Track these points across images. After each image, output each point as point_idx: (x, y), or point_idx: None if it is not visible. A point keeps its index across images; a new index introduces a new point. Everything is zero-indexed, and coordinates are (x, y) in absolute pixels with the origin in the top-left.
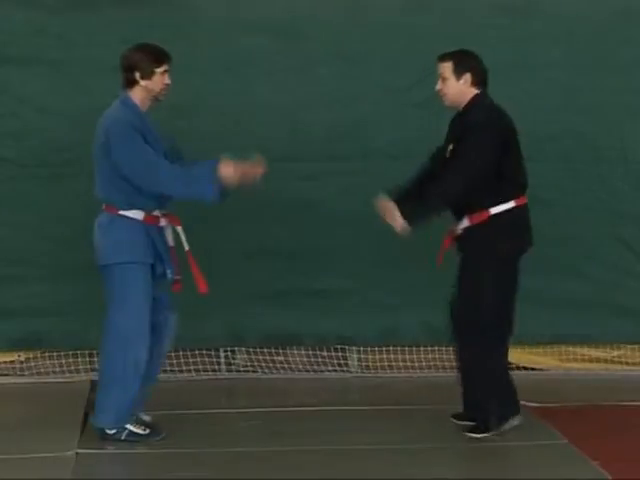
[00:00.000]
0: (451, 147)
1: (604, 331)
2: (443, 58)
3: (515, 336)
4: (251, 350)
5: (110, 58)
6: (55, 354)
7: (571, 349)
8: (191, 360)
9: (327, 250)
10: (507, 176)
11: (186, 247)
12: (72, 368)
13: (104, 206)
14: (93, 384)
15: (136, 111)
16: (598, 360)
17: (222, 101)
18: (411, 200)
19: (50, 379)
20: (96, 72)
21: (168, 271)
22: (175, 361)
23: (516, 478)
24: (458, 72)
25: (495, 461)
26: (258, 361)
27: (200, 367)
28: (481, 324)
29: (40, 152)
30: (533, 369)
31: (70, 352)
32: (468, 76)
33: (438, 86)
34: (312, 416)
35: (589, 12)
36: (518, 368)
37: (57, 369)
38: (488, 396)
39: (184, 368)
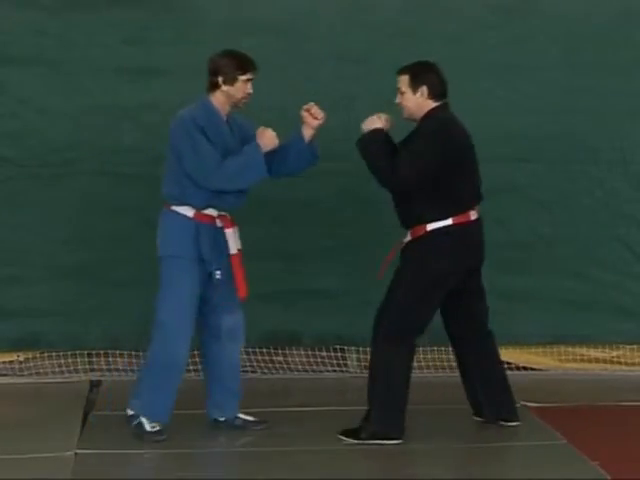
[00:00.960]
0: None
1: (603, 331)
2: (400, 71)
3: (514, 336)
4: (250, 350)
5: (110, 58)
6: (54, 354)
7: (570, 349)
8: (190, 360)
9: (326, 250)
10: (447, 192)
11: (231, 250)
12: (71, 368)
13: (165, 201)
14: (92, 384)
15: (211, 113)
16: (597, 360)
17: None
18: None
19: (49, 379)
20: (95, 72)
21: (216, 272)
22: None
23: (515, 478)
24: (414, 85)
25: (494, 461)
26: (257, 361)
27: (198, 367)
28: (386, 329)
29: (39, 152)
30: (532, 369)
31: (69, 352)
32: (424, 89)
33: (397, 99)
34: (311, 416)
35: (588, 13)
36: (517, 368)
37: (56, 369)
38: (375, 405)
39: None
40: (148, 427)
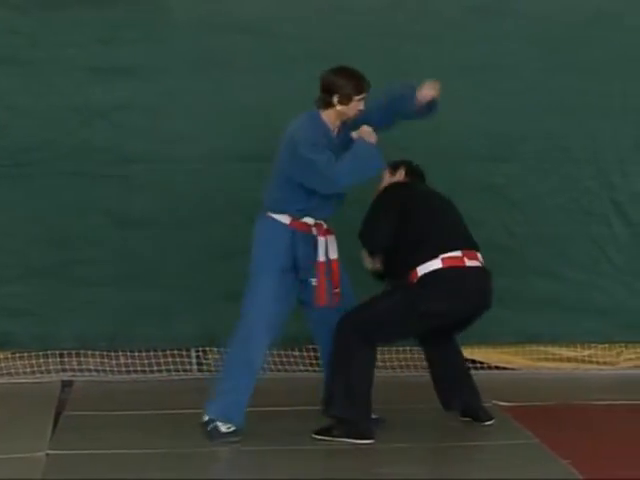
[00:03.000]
0: None
1: (575, 331)
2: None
3: (487, 335)
4: (223, 350)
5: (81, 58)
6: (25, 355)
7: (542, 348)
8: (162, 360)
9: None
10: (422, 238)
11: (320, 258)
12: (43, 369)
13: (264, 208)
14: (64, 384)
15: (323, 129)
16: (569, 359)
17: (194, 101)
18: None
19: (21, 380)
20: (67, 72)
21: (313, 280)
22: (146, 361)
23: (487, 478)
24: None
25: (466, 460)
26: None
27: (171, 367)
28: (354, 325)
29: (11, 151)
30: (505, 368)
31: (40, 353)
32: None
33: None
34: (284, 416)
35: (561, 14)
36: (490, 367)
37: (27, 370)
38: (335, 403)
39: (155, 368)
40: (223, 429)
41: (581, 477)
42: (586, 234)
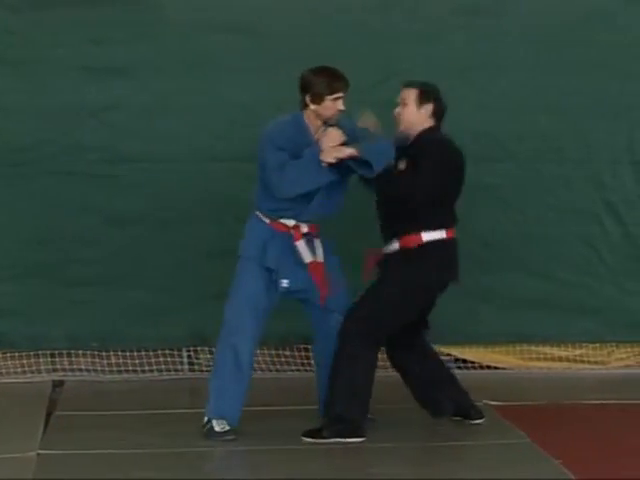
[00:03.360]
0: (402, 165)
1: (567, 330)
2: (408, 85)
3: (478, 335)
4: (214, 350)
5: (74, 58)
6: (16, 354)
7: (533, 348)
8: (154, 360)
9: None
10: (444, 206)
11: (306, 260)
12: (34, 368)
13: None
14: (55, 384)
15: (302, 130)
16: (560, 359)
17: (185, 101)
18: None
19: (11, 379)
20: (60, 72)
21: (283, 281)
22: (137, 361)
23: (478, 477)
24: (421, 101)
25: (457, 460)
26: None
27: (163, 367)
28: (355, 327)
29: (3, 152)
30: (496, 368)
31: (32, 352)
32: (430, 107)
33: (397, 110)
34: (275, 415)
35: (555, 14)
36: (481, 367)
37: (18, 369)
38: (337, 401)
39: (147, 368)
40: (217, 428)
41: (572, 477)
42: (578, 234)
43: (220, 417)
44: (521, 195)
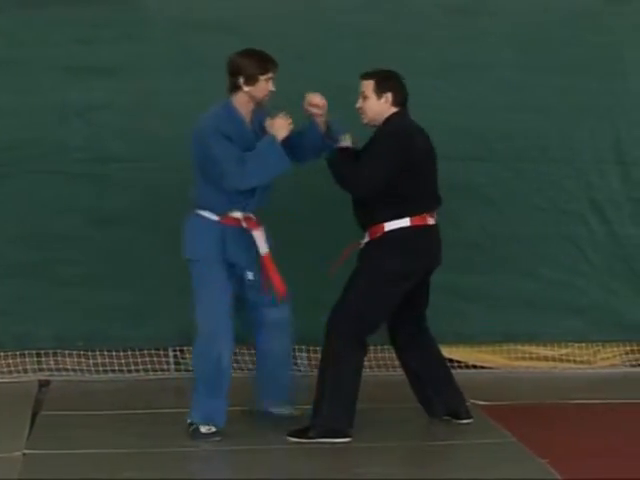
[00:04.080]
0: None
1: (552, 329)
2: (365, 76)
3: (464, 335)
4: None
5: (60, 57)
6: (2, 354)
7: (520, 347)
8: (140, 360)
9: (275, 249)
10: (406, 194)
11: (262, 252)
12: (20, 368)
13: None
14: (41, 384)
15: (233, 115)
16: (546, 358)
17: (172, 101)
18: None
19: None
20: (46, 71)
21: (248, 273)
22: (124, 361)
23: (465, 477)
24: (379, 91)
25: (444, 459)
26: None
27: (149, 367)
28: (339, 327)
29: None
30: (482, 367)
31: (17, 352)
32: (389, 96)
33: (358, 104)
34: (261, 415)
35: (539, 13)
36: (467, 367)
37: (4, 369)
38: (324, 401)
39: (133, 368)
40: (203, 430)
41: (558, 476)
42: (563, 233)
43: (207, 421)
44: (507, 195)
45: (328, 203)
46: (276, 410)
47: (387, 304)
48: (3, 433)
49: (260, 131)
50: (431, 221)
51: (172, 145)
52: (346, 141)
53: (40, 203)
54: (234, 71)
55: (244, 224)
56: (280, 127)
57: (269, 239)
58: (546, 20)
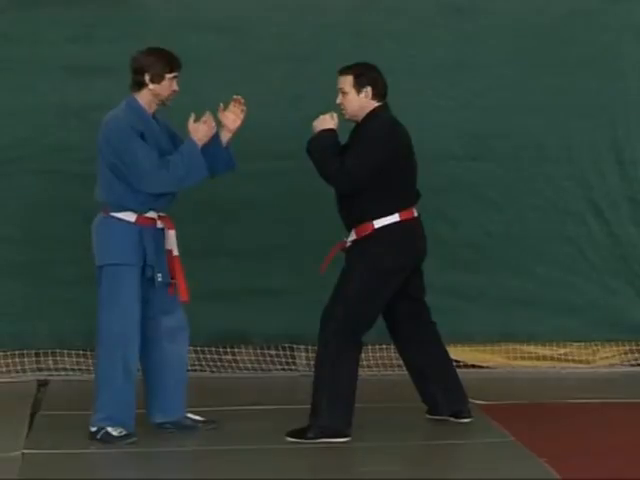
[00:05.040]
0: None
1: (551, 329)
2: (343, 71)
3: (463, 334)
4: (199, 349)
5: (56, 56)
6: (1, 354)
7: (518, 347)
8: None
9: (273, 249)
10: (393, 189)
11: (175, 252)
12: (18, 368)
13: (102, 208)
14: (39, 384)
15: (140, 113)
16: (545, 358)
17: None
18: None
19: None
20: (42, 70)
21: (158, 275)
22: None
23: (464, 477)
24: (359, 86)
25: (442, 459)
26: (206, 360)
27: None
28: (333, 327)
29: None
30: (481, 367)
31: (16, 352)
32: (369, 89)
33: (338, 100)
34: (260, 415)
35: (536, 13)
36: (466, 366)
37: (3, 369)
38: (322, 402)
39: None
40: (115, 433)
41: (557, 475)
42: (562, 233)
43: (116, 423)
44: (505, 194)
45: (321, 202)
46: (177, 419)
47: (380, 301)
48: (2, 433)
49: (165, 129)
50: (415, 213)
51: None
52: (333, 121)
53: (38, 202)
54: (140, 69)
55: (160, 224)
56: (203, 133)
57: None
58: (544, 19)
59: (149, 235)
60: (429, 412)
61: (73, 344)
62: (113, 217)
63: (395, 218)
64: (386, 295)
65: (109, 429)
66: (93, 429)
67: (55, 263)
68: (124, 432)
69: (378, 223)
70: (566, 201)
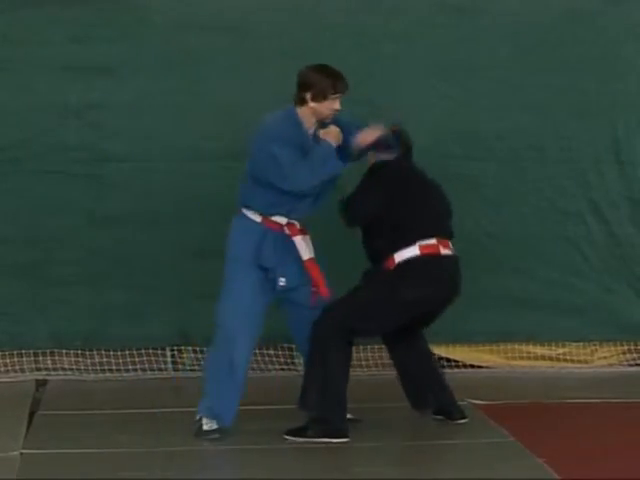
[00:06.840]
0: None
1: (550, 329)
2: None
3: (462, 334)
4: (198, 349)
5: (56, 56)
6: (0, 353)
7: (517, 347)
8: (137, 359)
9: None
10: (409, 223)
11: (303, 257)
12: (17, 367)
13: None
14: (38, 383)
15: (296, 126)
16: (544, 358)
17: (169, 100)
18: None
19: None
20: (42, 70)
21: (280, 279)
22: (121, 360)
23: (463, 477)
24: None
25: (441, 459)
26: (204, 360)
27: (146, 366)
28: (337, 321)
29: None
30: (479, 367)
31: (15, 351)
32: None
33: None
34: (259, 415)
35: (535, 12)
36: (465, 366)
37: (2, 369)
38: (320, 402)
39: (130, 367)
40: (205, 427)
41: (556, 476)
42: (562, 233)
43: (212, 416)
44: (505, 195)
45: (323, 202)
46: None
47: (385, 326)
48: (0, 433)
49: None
50: (445, 251)
51: (171, 145)
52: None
53: (38, 203)
54: (304, 85)
55: (286, 230)
56: (334, 136)
57: (309, 248)
58: (543, 19)
59: (272, 238)
60: (414, 406)
61: (72, 344)
62: (243, 214)
63: (415, 251)
64: (395, 321)
65: (203, 421)
66: (197, 417)
67: (55, 263)
68: (214, 426)
69: (398, 257)
70: (566, 201)
